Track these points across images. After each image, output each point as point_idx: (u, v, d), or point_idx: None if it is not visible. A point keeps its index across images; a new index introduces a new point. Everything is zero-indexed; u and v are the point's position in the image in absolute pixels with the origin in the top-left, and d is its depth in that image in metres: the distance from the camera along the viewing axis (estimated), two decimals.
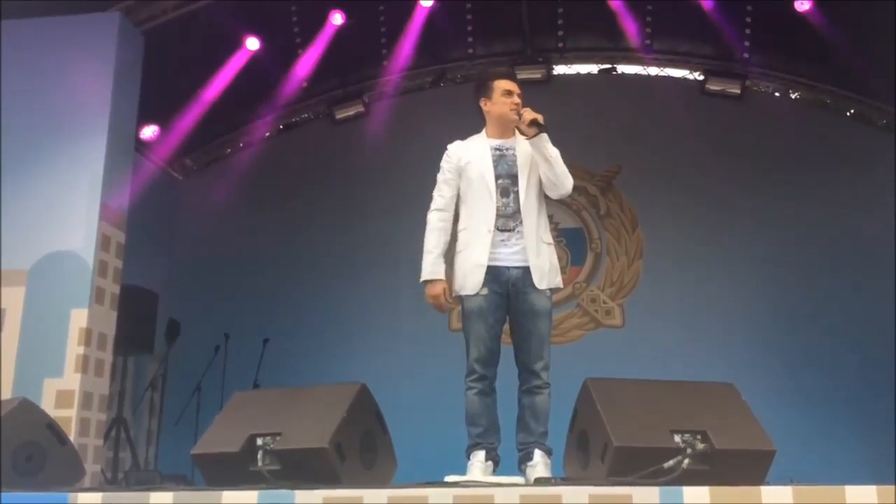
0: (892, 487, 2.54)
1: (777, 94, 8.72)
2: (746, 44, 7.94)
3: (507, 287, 3.77)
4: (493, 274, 3.76)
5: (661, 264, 8.41)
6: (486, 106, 3.96)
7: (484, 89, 3.96)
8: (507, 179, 3.84)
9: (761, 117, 8.49)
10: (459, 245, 3.91)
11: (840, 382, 7.57)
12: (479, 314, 3.78)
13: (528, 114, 3.78)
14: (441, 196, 3.94)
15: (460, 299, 3.88)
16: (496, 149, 3.90)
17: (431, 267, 3.85)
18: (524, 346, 3.78)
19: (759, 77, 8.54)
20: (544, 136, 3.76)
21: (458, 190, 3.92)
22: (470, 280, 3.79)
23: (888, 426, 7.06)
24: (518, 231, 3.78)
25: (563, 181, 3.78)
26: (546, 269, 3.78)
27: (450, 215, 3.93)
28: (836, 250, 8.00)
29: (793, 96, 8.89)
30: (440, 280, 3.84)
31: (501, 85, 3.92)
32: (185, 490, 3.10)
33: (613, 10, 7.68)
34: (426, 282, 3.86)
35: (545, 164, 3.77)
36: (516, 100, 3.88)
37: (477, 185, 3.86)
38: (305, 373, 7.49)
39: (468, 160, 3.91)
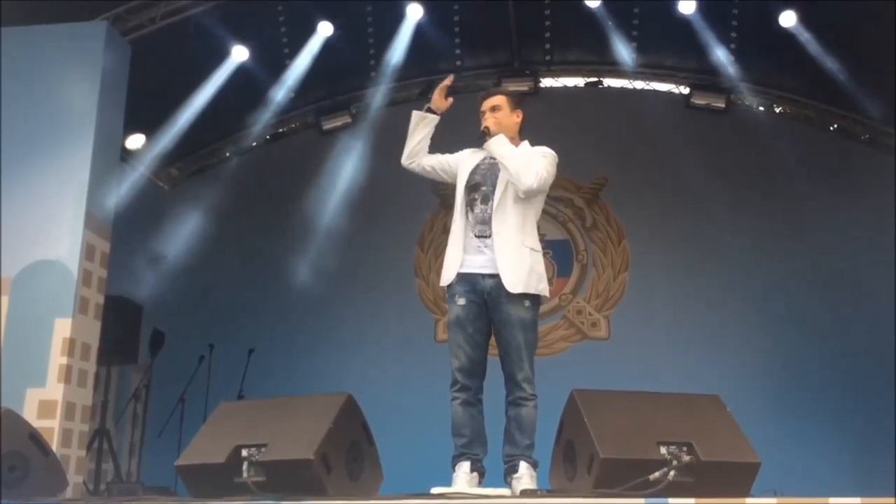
0: (877, 500, 2.56)
1: (761, 108, 8.80)
2: (732, 58, 7.99)
3: (483, 296, 3.79)
4: (470, 283, 3.79)
5: (647, 276, 8.45)
6: None
7: None
8: (490, 186, 3.89)
9: (745, 131, 8.55)
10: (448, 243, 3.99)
11: (825, 395, 7.61)
12: (458, 324, 3.81)
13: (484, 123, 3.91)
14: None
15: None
16: (492, 157, 3.95)
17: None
18: (506, 357, 3.79)
19: (744, 91, 8.60)
20: (492, 140, 3.84)
21: (446, 172, 4.04)
22: (445, 274, 3.87)
23: (872, 438, 7.11)
24: (490, 238, 3.81)
25: (520, 178, 3.77)
26: (524, 274, 3.76)
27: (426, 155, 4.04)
28: (820, 263, 8.07)
29: (777, 110, 8.98)
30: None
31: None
32: (169, 502, 3.09)
33: (600, 25, 7.73)
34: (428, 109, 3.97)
35: (501, 166, 3.84)
36: (487, 115, 3.95)
37: (460, 188, 3.94)
38: (291, 383, 7.43)
39: (461, 162, 4.01)
